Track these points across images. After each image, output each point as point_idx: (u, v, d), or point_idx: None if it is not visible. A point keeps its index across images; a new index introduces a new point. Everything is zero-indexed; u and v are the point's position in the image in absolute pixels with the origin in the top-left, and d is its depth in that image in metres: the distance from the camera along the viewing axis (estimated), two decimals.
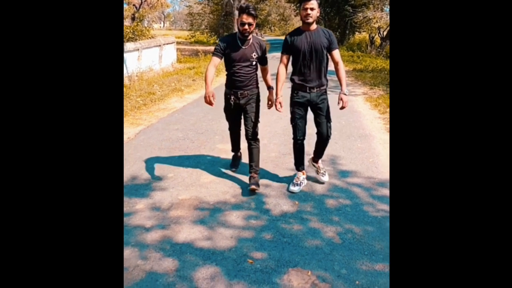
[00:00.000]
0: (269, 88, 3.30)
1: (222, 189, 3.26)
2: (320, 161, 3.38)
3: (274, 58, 7.18)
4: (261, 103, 3.32)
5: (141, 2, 15.26)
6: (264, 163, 3.79)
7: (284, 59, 3.06)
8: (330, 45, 2.95)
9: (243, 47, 3.07)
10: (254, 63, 3.13)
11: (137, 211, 2.88)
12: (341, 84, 2.97)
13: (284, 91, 3.13)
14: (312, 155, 3.41)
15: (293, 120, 3.15)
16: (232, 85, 3.17)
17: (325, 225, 2.66)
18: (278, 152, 4.20)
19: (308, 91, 3.02)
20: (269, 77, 3.34)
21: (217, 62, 3.11)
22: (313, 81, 3.01)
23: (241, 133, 3.47)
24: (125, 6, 15.35)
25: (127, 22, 14.71)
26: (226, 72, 3.22)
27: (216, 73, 3.21)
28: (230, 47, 3.07)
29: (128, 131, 5.17)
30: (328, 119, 3.12)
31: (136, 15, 14.80)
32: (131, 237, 2.51)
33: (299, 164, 3.30)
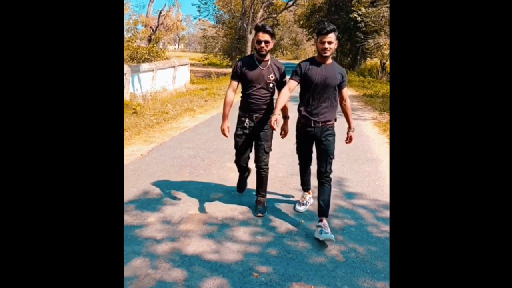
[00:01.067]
0: (285, 117, 3.19)
1: (230, 206, 3.38)
2: (325, 220, 2.87)
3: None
4: (274, 132, 3.13)
5: (158, 25, 15.85)
6: (272, 183, 3.92)
7: (292, 84, 2.86)
8: (342, 83, 2.90)
9: (261, 68, 3.00)
10: (271, 85, 3.04)
11: (149, 224, 3.01)
12: (349, 122, 3.06)
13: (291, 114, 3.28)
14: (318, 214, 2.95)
15: (298, 151, 3.16)
16: (247, 107, 3.08)
17: (329, 244, 2.75)
18: (286, 172, 4.32)
19: (312, 125, 2.90)
20: (286, 103, 3.10)
21: (236, 85, 3.10)
22: (319, 115, 2.88)
23: (249, 162, 3.37)
24: (142, 28, 15.98)
25: (143, 44, 15.24)
26: (241, 94, 3.16)
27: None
28: (247, 67, 3.02)
29: (141, 148, 5.36)
30: (331, 155, 2.94)
31: (153, 37, 15.34)
32: (143, 248, 2.64)
33: (305, 184, 3.33)
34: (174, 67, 13.12)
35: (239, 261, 2.51)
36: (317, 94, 2.85)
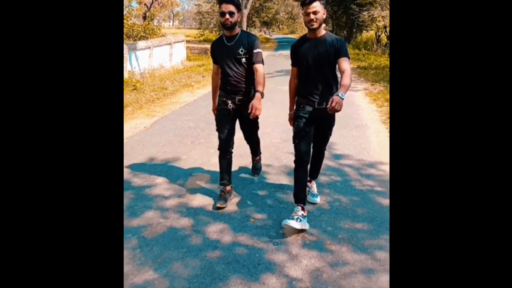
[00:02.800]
0: (256, 91, 2.64)
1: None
2: (314, 182, 3.10)
3: (281, 56, 7.61)
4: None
5: (152, 1, 15.81)
6: (267, 148, 4.27)
7: (294, 71, 2.75)
8: (337, 53, 2.48)
9: (228, 44, 2.80)
10: (244, 60, 2.77)
11: (157, 184, 3.38)
12: (340, 86, 2.33)
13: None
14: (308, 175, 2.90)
15: (296, 138, 2.68)
16: (226, 89, 2.90)
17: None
18: (280, 138, 4.68)
19: (316, 106, 2.62)
20: (260, 78, 2.69)
21: (217, 69, 2.99)
22: (320, 96, 2.60)
23: (232, 157, 3.06)
24: (137, 6, 15.94)
25: (138, 21, 15.26)
26: None
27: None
28: (217, 46, 2.89)
29: (144, 122, 5.69)
30: (329, 133, 2.87)
31: (147, 14, 15.34)
32: (153, 203, 3.02)
33: (299, 195, 2.67)
34: (170, 44, 13.24)
35: (237, 211, 2.90)
36: (313, 74, 2.58)
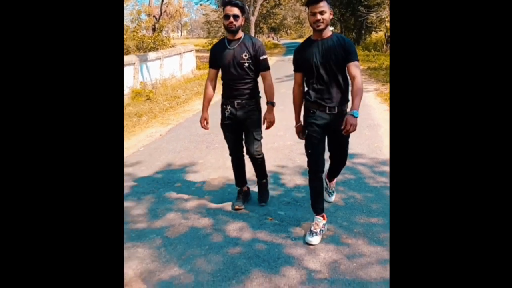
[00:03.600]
0: (268, 103, 2.78)
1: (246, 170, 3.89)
2: (334, 181, 3.08)
3: (290, 61, 7.69)
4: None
5: (161, 13, 16.20)
6: (281, 150, 4.40)
7: (297, 78, 2.62)
8: (346, 55, 2.38)
9: (230, 48, 2.73)
10: (247, 65, 2.72)
11: (176, 188, 3.54)
12: (352, 102, 2.30)
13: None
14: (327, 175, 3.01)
15: (308, 147, 2.57)
16: (227, 94, 2.85)
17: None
18: (293, 140, 4.78)
19: (328, 111, 2.48)
20: (270, 88, 2.79)
21: (213, 74, 2.90)
22: (332, 100, 2.47)
23: (245, 159, 3.07)
24: (146, 18, 16.35)
25: (148, 33, 15.64)
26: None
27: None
28: (219, 51, 2.80)
29: (159, 130, 5.89)
30: (346, 145, 2.71)
31: (157, 25, 15.73)
32: (174, 205, 3.17)
33: (317, 205, 2.61)
34: (180, 54, 13.54)
35: (256, 210, 3.02)
36: (323, 76, 2.44)
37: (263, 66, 2.78)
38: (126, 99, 8.45)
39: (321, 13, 2.35)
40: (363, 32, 22.53)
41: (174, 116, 6.86)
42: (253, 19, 24.10)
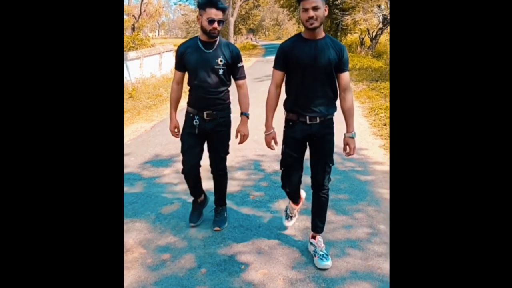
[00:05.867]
0: (242, 114, 2.53)
1: (228, 158, 4.29)
2: (319, 237, 2.46)
3: (269, 62, 8.11)
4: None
5: (140, 13, 16.38)
6: (261, 142, 4.80)
7: (278, 76, 2.28)
8: (339, 63, 2.17)
9: (205, 51, 2.45)
10: (221, 72, 2.46)
11: (165, 175, 3.91)
12: (346, 123, 2.23)
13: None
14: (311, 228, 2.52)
15: (283, 164, 2.39)
16: (195, 102, 2.54)
17: (307, 177, 3.69)
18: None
19: (308, 121, 2.21)
20: (245, 98, 2.55)
21: (180, 77, 2.62)
22: (316, 108, 2.20)
23: (200, 170, 2.79)
24: (125, 17, 16.48)
25: (127, 33, 15.79)
26: (188, 86, 2.61)
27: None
28: (190, 52, 2.49)
29: (144, 125, 6.21)
30: (330, 161, 2.35)
31: (136, 25, 15.90)
32: (165, 189, 3.54)
33: (294, 198, 2.60)
34: (159, 53, 13.79)
35: (239, 191, 3.44)
36: (308, 81, 2.18)
37: (240, 75, 2.55)
38: None
39: (315, 8, 2.04)
40: (338, 34, 23.32)
41: (157, 113, 7.18)
42: (232, 20, 24.50)
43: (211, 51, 2.46)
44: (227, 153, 2.75)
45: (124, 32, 15.77)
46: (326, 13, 2.13)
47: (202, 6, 2.38)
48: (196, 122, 2.54)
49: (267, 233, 2.71)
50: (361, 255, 2.43)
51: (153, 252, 2.51)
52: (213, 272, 2.30)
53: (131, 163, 4.31)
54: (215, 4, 2.35)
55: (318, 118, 2.22)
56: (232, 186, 3.53)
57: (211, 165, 2.77)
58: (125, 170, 4.07)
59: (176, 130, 2.73)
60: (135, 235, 2.74)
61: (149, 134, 5.65)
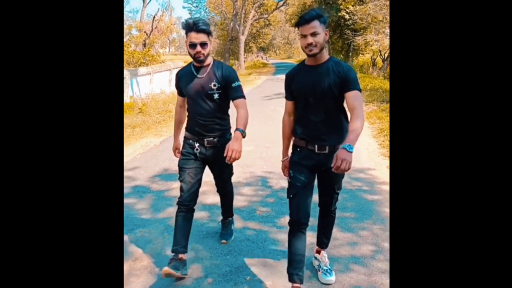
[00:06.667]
0: (236, 129, 2.28)
1: (236, 174, 4.43)
2: (324, 252, 2.55)
3: (279, 80, 8.34)
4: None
5: (152, 29, 16.92)
6: (268, 159, 4.97)
7: (288, 106, 2.32)
8: (344, 84, 2.07)
9: (198, 76, 2.42)
10: (216, 96, 2.40)
11: (173, 188, 4.06)
12: (348, 136, 1.94)
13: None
14: (316, 243, 2.59)
15: (290, 191, 2.25)
16: (194, 129, 2.51)
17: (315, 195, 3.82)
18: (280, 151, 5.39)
19: (317, 150, 2.16)
20: (243, 118, 2.33)
21: (182, 101, 2.68)
22: (323, 137, 2.15)
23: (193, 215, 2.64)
24: (137, 33, 17.03)
25: (138, 48, 16.27)
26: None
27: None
28: (184, 78, 2.49)
29: (154, 140, 6.42)
30: (338, 188, 2.36)
31: (147, 41, 16.41)
32: (173, 202, 3.68)
33: (294, 268, 2.22)
34: (170, 70, 14.17)
35: (246, 206, 3.58)
36: (313, 109, 2.16)
37: (236, 94, 2.42)
38: None
39: (313, 34, 2.02)
40: (350, 54, 23.70)
41: (166, 128, 7.40)
42: (243, 38, 25.07)
43: (203, 76, 2.42)
44: (231, 174, 2.82)
45: (135, 48, 16.28)
46: (327, 38, 2.11)
47: (185, 32, 2.36)
48: (197, 149, 2.51)
49: (272, 247, 2.83)
50: (364, 271, 2.53)
51: (161, 261, 2.64)
52: (219, 282, 2.42)
53: (140, 176, 4.48)
54: (194, 27, 2.30)
55: (327, 148, 2.15)
56: (239, 202, 3.68)
57: (218, 188, 2.90)
58: (135, 183, 4.24)
59: (177, 151, 2.76)
60: (144, 244, 2.88)
61: (158, 148, 5.84)
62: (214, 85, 2.40)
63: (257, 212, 3.44)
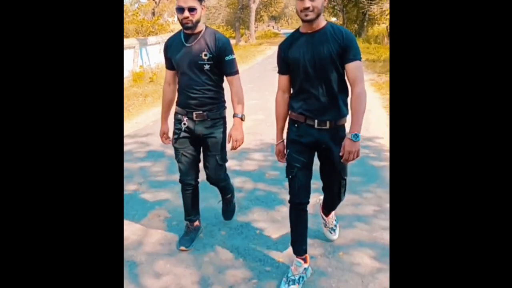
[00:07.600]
0: (235, 115, 2.30)
1: (246, 141, 4.60)
2: (333, 213, 2.56)
3: None
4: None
5: None
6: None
7: (282, 81, 2.15)
8: (343, 53, 1.93)
9: (187, 44, 2.27)
10: (207, 67, 2.26)
11: None
12: (351, 121, 1.94)
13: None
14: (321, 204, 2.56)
15: (289, 171, 2.16)
16: (183, 102, 2.38)
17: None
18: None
19: (317, 126, 2.04)
20: (238, 97, 2.31)
21: (172, 77, 2.46)
22: (323, 111, 2.02)
23: (198, 186, 2.66)
24: (146, 2, 17.01)
25: (147, 17, 16.29)
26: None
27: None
28: (173, 47, 2.34)
29: None
30: (343, 173, 2.23)
31: (156, 10, 16.40)
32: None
33: (297, 245, 2.23)
34: None
35: (256, 169, 3.83)
36: (312, 81, 2.01)
37: (229, 69, 2.30)
38: (127, 81, 9.18)
39: None
40: (365, 24, 23.32)
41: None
42: (254, 6, 24.73)
43: (193, 44, 2.26)
44: (225, 160, 2.55)
45: (144, 16, 16.30)
46: (326, 3, 1.96)
47: None
48: (184, 124, 2.39)
49: (280, 205, 3.09)
50: (366, 228, 2.78)
51: (178, 216, 2.92)
52: (232, 235, 2.70)
53: (154, 142, 4.74)
54: None
55: (328, 123, 2.03)
56: (249, 166, 3.92)
57: (208, 178, 2.57)
58: (149, 148, 4.51)
59: (165, 135, 2.62)
60: (161, 203, 3.16)
61: (171, 116, 6.07)
62: (205, 55, 2.25)
63: (266, 175, 3.68)
